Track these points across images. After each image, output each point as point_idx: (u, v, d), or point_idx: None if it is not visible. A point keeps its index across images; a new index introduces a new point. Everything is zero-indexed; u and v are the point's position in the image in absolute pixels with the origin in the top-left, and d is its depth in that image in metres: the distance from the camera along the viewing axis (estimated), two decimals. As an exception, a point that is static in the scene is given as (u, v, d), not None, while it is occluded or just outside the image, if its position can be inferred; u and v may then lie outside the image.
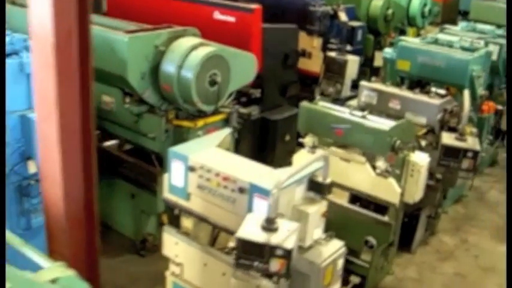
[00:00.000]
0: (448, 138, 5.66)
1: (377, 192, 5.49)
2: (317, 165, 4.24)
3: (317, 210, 4.21)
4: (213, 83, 5.61)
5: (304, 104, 5.62)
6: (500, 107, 8.32)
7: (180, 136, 5.84)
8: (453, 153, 5.55)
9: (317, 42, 8.53)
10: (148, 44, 5.56)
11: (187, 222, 4.65)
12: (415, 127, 5.62)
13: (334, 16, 8.60)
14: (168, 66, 5.54)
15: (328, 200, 5.76)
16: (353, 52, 8.76)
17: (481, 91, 7.10)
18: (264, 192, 3.89)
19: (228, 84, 5.82)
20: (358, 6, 9.74)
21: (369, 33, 9.97)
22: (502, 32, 8.46)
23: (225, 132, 5.04)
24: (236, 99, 7.63)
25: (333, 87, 8.19)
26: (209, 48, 5.58)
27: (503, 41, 8.09)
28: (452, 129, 6.06)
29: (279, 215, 3.74)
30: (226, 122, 6.24)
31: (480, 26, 8.68)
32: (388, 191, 5.41)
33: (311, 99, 8.52)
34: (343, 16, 8.31)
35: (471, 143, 5.61)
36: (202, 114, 5.88)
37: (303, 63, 8.73)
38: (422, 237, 6.70)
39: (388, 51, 7.63)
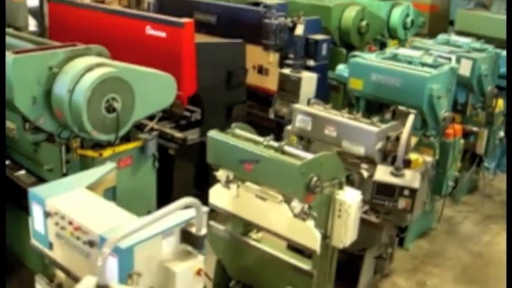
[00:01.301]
0: (382, 173, 4.86)
1: (295, 236, 4.72)
2: (190, 213, 3.53)
3: (188, 267, 3.50)
4: (110, 109, 4.90)
5: (212, 133, 4.87)
6: (475, 129, 7.44)
7: (86, 167, 5.14)
8: (388, 191, 4.75)
9: (273, 57, 7.77)
10: (39, 65, 4.90)
11: (59, 272, 3.98)
12: (338, 160, 4.80)
13: (294, 29, 7.82)
14: (59, 90, 4.87)
15: (245, 242, 5.14)
16: (317, 68, 8.05)
17: (443, 113, 6.27)
18: (114, 248, 3.17)
19: (132, 110, 5.10)
20: (328, 18, 8.94)
21: (341, 47, 9.17)
22: (479, 45, 7.59)
23: (107, 168, 4.34)
24: (175, 122, 6.99)
25: (287, 108, 7.45)
26: (105, 70, 4.87)
27: (479, 55, 7.23)
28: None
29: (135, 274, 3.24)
30: (142, 150, 5.53)
31: (455, 39, 7.81)
32: (306, 235, 4.63)
33: (267, 119, 7.83)
34: (299, 29, 7.52)
35: (408, 178, 4.79)
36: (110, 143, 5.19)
37: (260, 81, 8.01)
38: (370, 280, 5.86)
39: (341, 68, 6.85)
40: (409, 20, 10.02)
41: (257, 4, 8.31)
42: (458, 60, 7.17)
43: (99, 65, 4.95)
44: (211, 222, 5.33)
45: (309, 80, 7.29)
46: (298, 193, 4.42)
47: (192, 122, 6.95)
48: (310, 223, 4.61)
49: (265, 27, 7.69)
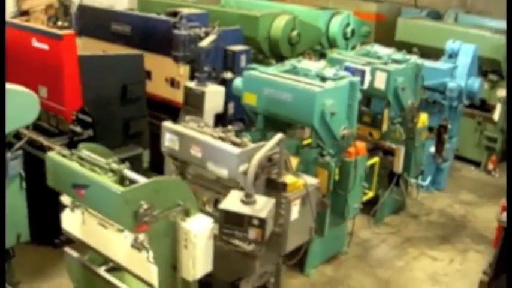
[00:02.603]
0: (231, 201, 4.40)
1: (134, 268, 4.32)
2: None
3: None
4: None
5: (50, 154, 4.46)
6: (393, 146, 6.98)
7: None
8: (236, 220, 4.29)
9: (184, 70, 7.35)
10: None
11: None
12: (182, 185, 4.37)
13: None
14: None
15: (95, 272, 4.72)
16: (236, 81, 7.59)
17: (342, 130, 5.82)
18: None
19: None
20: (255, 28, 8.52)
21: (271, 58, 8.75)
22: (400, 56, 7.12)
23: None
24: (70, 138, 6.59)
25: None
26: None
27: (394, 67, 6.78)
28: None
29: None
30: (4, 171, 5.11)
31: (376, 50, 7.36)
32: (143, 267, 4.20)
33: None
34: (206, 40, 7.10)
35: (258, 207, 4.32)
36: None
37: (172, 94, 7.59)
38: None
39: (237, 82, 6.43)
40: (349, 29, 9.57)
41: (175, 14, 7.89)
42: (373, 73, 6.73)
43: None
44: (67, 249, 4.95)
45: (214, 94, 6.86)
46: (125, 223, 4.01)
47: (86, 139, 6.52)
48: (149, 254, 4.18)
49: (175, 38, 7.30)
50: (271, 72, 6.04)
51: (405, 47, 9.03)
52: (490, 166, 9.03)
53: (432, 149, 7.93)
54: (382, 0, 11.84)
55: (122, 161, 6.40)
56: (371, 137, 7.11)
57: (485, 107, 9.05)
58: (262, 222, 4.25)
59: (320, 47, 9.56)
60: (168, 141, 5.17)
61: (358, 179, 6.10)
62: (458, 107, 8.07)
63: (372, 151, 7.19)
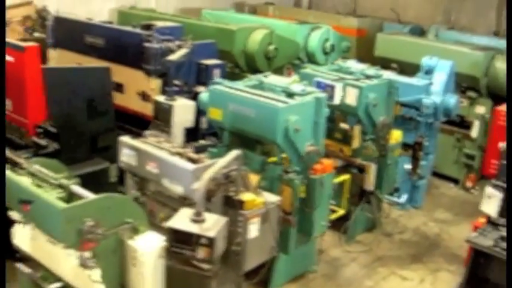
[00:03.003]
0: (180, 219, 4.30)
1: (81, 287, 4.18)
2: None
3: None
4: None
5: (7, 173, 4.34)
6: (364, 163, 6.89)
7: None
8: (185, 239, 4.19)
9: (155, 83, 7.26)
10: None
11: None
12: (129, 202, 4.27)
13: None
14: None
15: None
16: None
17: (307, 147, 5.72)
18: None
19: None
20: (231, 42, 8.45)
21: (248, 72, 8.66)
22: (373, 72, 7.04)
23: None
24: (35, 152, 6.48)
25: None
26: None
27: (366, 83, 6.69)
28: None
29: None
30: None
31: (349, 65, 7.28)
32: (90, 286, 4.08)
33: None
34: (176, 54, 7.04)
35: (207, 226, 4.22)
36: None
37: (144, 107, 7.50)
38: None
39: (203, 96, 6.34)
40: (328, 44, 9.49)
41: (149, 27, 7.82)
42: (344, 89, 6.65)
43: None
44: (19, 265, 4.82)
45: (183, 108, 6.77)
46: (67, 240, 3.91)
47: (52, 152, 6.42)
48: (95, 272, 4.07)
49: (146, 52, 7.22)
50: (237, 87, 5.95)
51: (384, 62, 9.05)
52: (469, 184, 8.93)
53: (408, 166, 7.82)
54: (364, 15, 11.81)
55: (88, 175, 6.40)
56: (342, 153, 7.01)
57: (464, 123, 8.95)
58: (210, 241, 4.14)
59: (299, 61, 9.46)
60: (125, 156, 5.10)
61: (325, 196, 5.99)
62: (434, 123, 7.98)
63: (345, 168, 7.12)
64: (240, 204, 4.91)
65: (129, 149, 5.03)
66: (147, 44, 7.21)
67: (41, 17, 9.29)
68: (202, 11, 10.61)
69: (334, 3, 13.04)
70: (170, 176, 4.74)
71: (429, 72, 7.97)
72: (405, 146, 7.87)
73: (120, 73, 7.70)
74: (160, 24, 7.95)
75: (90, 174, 6.41)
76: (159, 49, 7.17)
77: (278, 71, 9.06)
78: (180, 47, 7.37)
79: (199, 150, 6.61)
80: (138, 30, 7.54)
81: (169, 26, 7.95)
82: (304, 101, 5.73)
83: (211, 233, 4.14)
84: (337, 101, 6.65)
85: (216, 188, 4.68)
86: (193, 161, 4.82)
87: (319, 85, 6.75)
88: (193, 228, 4.16)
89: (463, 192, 8.98)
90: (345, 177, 6.76)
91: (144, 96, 7.48)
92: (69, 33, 8.38)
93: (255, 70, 8.67)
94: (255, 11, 12.19)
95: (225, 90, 5.86)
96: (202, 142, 6.80)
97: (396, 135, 7.15)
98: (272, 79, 6.22)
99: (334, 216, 6.79)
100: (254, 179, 5.20)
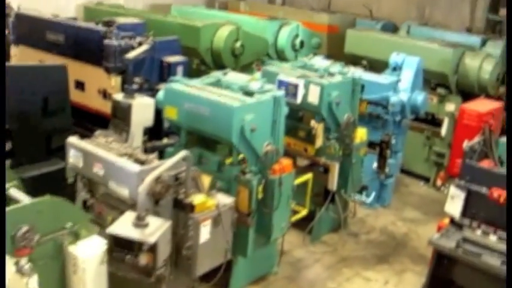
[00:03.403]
0: (122, 224, 4.13)
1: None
2: None
3: None
4: None
5: None
6: (328, 162, 6.75)
7: None
8: (127, 245, 4.02)
9: (115, 81, 7.08)
10: None
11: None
12: (69, 206, 4.10)
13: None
14: None
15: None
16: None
17: (265, 147, 5.57)
18: None
19: None
20: (197, 38, 8.27)
21: (215, 69, 8.47)
22: (337, 69, 6.91)
23: None
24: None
25: (120, 137, 6.73)
26: None
27: (328, 81, 6.55)
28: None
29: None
30: None
31: (314, 62, 7.14)
32: (25, 295, 3.90)
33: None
34: (134, 51, 6.86)
35: (149, 231, 4.05)
36: None
37: (105, 106, 7.31)
38: None
39: (160, 95, 6.17)
40: (298, 40, 9.35)
41: (110, 23, 7.63)
42: (306, 86, 6.51)
43: None
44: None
45: (142, 107, 6.56)
46: (0, 247, 3.71)
47: (6, 152, 6.21)
48: (33, 280, 3.89)
49: (106, 49, 7.04)
50: (194, 85, 5.78)
51: (354, 59, 8.93)
52: (439, 182, 8.83)
53: (375, 165, 7.71)
54: (338, 11, 11.68)
55: (43, 176, 6.21)
56: (306, 152, 6.87)
57: (434, 121, 8.85)
58: (152, 247, 3.97)
59: (269, 58, 9.31)
60: (72, 157, 4.93)
61: (285, 197, 5.83)
62: (402, 121, 7.86)
63: (309, 167, 6.99)
64: (190, 207, 4.75)
65: (75, 149, 4.85)
66: (106, 41, 7.04)
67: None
68: (171, 7, 10.42)
69: (307, 0, 12.89)
70: (116, 178, 4.57)
71: (396, 69, 7.84)
72: (372, 144, 7.77)
73: (81, 71, 7.53)
74: (122, 20, 7.80)
75: (46, 175, 6.24)
76: (118, 46, 7.00)
77: (247, 67, 8.92)
78: (140, 43, 7.19)
79: (157, 149, 6.47)
80: (97, 27, 7.34)
81: (131, 23, 7.79)
82: (262, 99, 5.57)
83: (152, 239, 3.98)
84: (299, 99, 6.51)
85: (163, 191, 4.51)
86: (141, 162, 4.65)
87: (281, 83, 6.62)
88: (135, 234, 4.00)
89: (433, 191, 8.88)
90: (307, 176, 6.61)
91: (105, 94, 7.31)
92: (31, 30, 8.18)
93: (222, 67, 8.50)
94: (226, 7, 12.01)
95: (180, 88, 5.69)
96: (163, 141, 6.61)
97: (361, 134, 7.01)
98: (231, 77, 6.06)
99: (297, 216, 6.65)
100: (206, 180, 5.05)
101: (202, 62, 8.57)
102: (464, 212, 5.74)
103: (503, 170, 5.58)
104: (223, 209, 5.00)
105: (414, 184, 9.07)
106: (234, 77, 6.06)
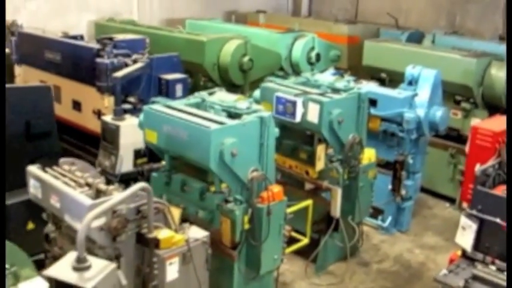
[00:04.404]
0: (63, 265, 3.71)
1: None
2: None
3: None
4: None
5: None
6: (330, 186, 6.20)
7: None
8: (67, 288, 3.61)
9: (108, 101, 6.75)
10: None
11: None
12: (12, 246, 3.73)
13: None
14: None
15: None
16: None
17: (251, 173, 5.09)
18: None
19: None
20: (202, 54, 7.88)
21: (223, 86, 8.05)
22: (343, 85, 6.38)
23: None
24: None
25: (109, 160, 6.41)
26: None
27: (329, 98, 6.02)
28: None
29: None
30: None
31: (318, 78, 6.63)
32: None
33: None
34: (124, 70, 6.52)
35: (90, 274, 3.62)
36: None
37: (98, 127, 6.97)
38: None
39: (140, 117, 5.76)
40: (314, 53, 8.83)
41: (108, 40, 7.32)
42: (305, 104, 6.01)
43: None
44: None
45: (131, 129, 6.19)
46: None
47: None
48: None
49: (97, 67, 6.72)
50: (175, 106, 5.37)
51: (373, 72, 8.36)
52: (465, 204, 8.08)
53: (389, 186, 7.11)
54: (366, 22, 11.10)
55: (24, 203, 5.90)
56: (308, 175, 6.34)
57: (460, 137, 8.15)
58: (91, 292, 3.54)
59: (283, 73, 8.82)
60: (32, 187, 4.56)
61: (275, 227, 5.32)
62: (420, 139, 7.24)
63: (313, 191, 6.48)
64: (155, 242, 4.30)
65: (34, 179, 4.49)
66: (98, 60, 6.73)
67: (11, 32, 8.90)
68: (186, 22, 10.09)
69: (334, 11, 12.34)
70: (70, 212, 4.18)
71: (412, 82, 7.22)
72: (388, 164, 7.19)
73: (77, 90, 7.28)
74: (120, 37, 7.46)
75: (26, 202, 5.92)
76: (110, 64, 6.67)
77: (258, 83, 8.45)
78: (136, 61, 6.86)
79: (142, 175, 6.11)
80: (90, 45, 7.04)
81: (129, 39, 7.46)
82: (245, 121, 5.09)
83: (90, 284, 3.54)
84: (298, 118, 6.01)
85: (120, 226, 4.09)
86: (101, 193, 4.25)
87: (279, 100, 6.16)
88: (72, 277, 3.57)
89: (458, 213, 8.10)
90: (307, 203, 6.07)
91: (100, 115, 6.98)
92: (32, 48, 8.00)
93: (230, 83, 8.11)
94: (246, 19, 11.60)
95: (159, 110, 5.27)
96: (150, 165, 6.24)
97: (369, 155, 6.44)
98: (218, 96, 5.61)
99: (297, 245, 6.13)
100: (176, 213, 4.60)
101: (210, 78, 8.15)
102: (477, 245, 5.11)
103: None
104: (195, 245, 4.52)
105: (439, 206, 8.37)
106: (220, 96, 5.60)
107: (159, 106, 5.40)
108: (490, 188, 5.21)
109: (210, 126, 4.88)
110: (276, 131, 5.38)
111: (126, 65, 6.77)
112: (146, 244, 4.33)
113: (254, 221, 5.20)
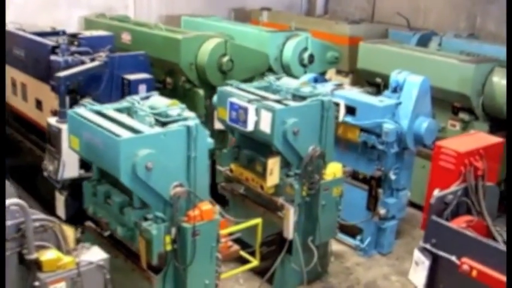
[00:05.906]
0: None
1: None
2: None
3: None
4: None
5: None
6: (284, 204, 5.58)
7: None
8: None
9: (63, 101, 6.33)
10: None
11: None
12: None
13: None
14: None
15: None
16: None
17: (174, 189, 4.57)
18: None
19: None
20: (177, 52, 7.37)
21: (200, 88, 7.57)
22: (308, 91, 5.76)
23: None
24: None
25: (52, 165, 6.02)
26: None
27: (282, 106, 5.42)
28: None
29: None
30: None
31: (282, 82, 6.03)
32: None
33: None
34: (72, 69, 6.08)
35: None
36: None
37: (54, 130, 6.58)
38: None
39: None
40: (306, 54, 8.16)
41: (74, 37, 6.93)
42: (258, 112, 5.42)
43: None
44: None
45: (74, 132, 5.76)
46: None
47: None
48: None
49: (52, 65, 6.32)
50: (101, 111, 4.89)
51: (368, 76, 7.69)
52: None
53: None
54: (382, 22, 10.34)
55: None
56: (262, 190, 5.74)
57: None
58: None
59: (273, 75, 8.17)
60: None
61: (205, 249, 4.78)
62: (405, 153, 6.51)
63: (268, 208, 5.89)
64: (36, 264, 3.83)
65: None
66: (52, 57, 6.32)
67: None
68: (181, 18, 9.61)
69: (351, 10, 11.60)
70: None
71: (397, 89, 6.49)
72: (370, 179, 6.52)
73: (38, 89, 6.90)
74: (87, 33, 7.06)
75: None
76: (63, 62, 6.24)
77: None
78: (94, 59, 6.42)
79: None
80: (46, 41, 6.64)
81: (96, 36, 7.04)
82: (167, 130, 4.55)
83: None
84: (250, 126, 5.45)
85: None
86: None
87: (232, 106, 5.62)
88: None
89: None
90: (256, 221, 5.48)
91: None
92: (8, 45, 7.66)
93: (208, 85, 7.57)
94: (249, 17, 11.01)
95: (81, 115, 4.80)
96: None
97: (334, 169, 5.78)
98: (151, 101, 5.08)
99: (244, 267, 5.55)
100: (70, 232, 4.11)
101: (188, 79, 7.64)
102: (431, 285, 4.44)
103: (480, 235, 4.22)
104: (87, 268, 4.02)
105: (433, 226, 7.55)
106: (155, 101, 5.08)
107: (83, 110, 4.92)
108: (449, 219, 4.49)
109: (121, 134, 4.37)
110: (209, 142, 4.82)
111: (82, 63, 6.33)
112: (28, 266, 3.87)
113: (179, 242, 4.67)
